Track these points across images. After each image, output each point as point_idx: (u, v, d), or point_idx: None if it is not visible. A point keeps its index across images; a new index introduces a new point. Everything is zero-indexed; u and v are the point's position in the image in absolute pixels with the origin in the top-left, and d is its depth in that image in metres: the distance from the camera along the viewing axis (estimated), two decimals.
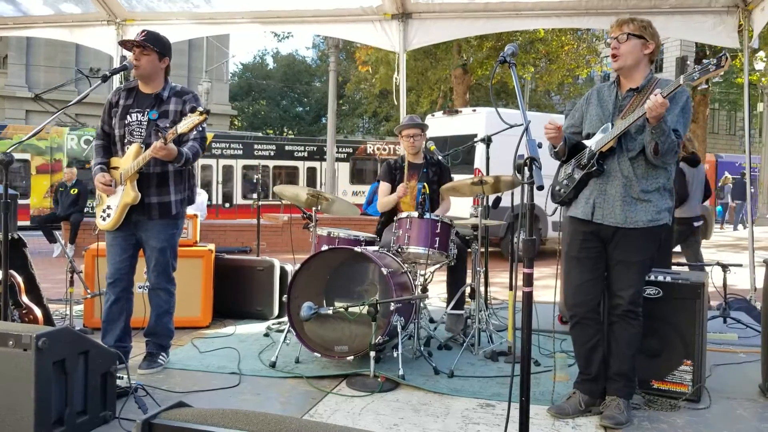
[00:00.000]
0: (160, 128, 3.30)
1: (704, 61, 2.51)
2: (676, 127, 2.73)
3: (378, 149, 21.13)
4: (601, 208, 2.85)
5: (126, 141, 3.41)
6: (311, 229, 4.24)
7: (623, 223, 2.81)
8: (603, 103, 2.93)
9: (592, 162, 2.83)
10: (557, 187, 3.03)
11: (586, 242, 2.91)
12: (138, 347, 3.62)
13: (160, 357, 3.55)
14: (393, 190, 4.61)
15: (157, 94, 3.44)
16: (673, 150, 2.72)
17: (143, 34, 3.38)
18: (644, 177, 2.81)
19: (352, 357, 3.48)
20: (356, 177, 20.63)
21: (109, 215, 3.40)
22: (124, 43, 3.46)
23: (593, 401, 2.95)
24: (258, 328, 4.61)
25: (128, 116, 3.42)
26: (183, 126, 3.13)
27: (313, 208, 4.27)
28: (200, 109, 3.15)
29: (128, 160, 3.35)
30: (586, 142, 2.95)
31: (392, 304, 3.42)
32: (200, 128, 3.29)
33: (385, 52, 15.72)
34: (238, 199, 19.26)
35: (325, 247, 3.81)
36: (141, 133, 3.38)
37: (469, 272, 4.50)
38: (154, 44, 3.39)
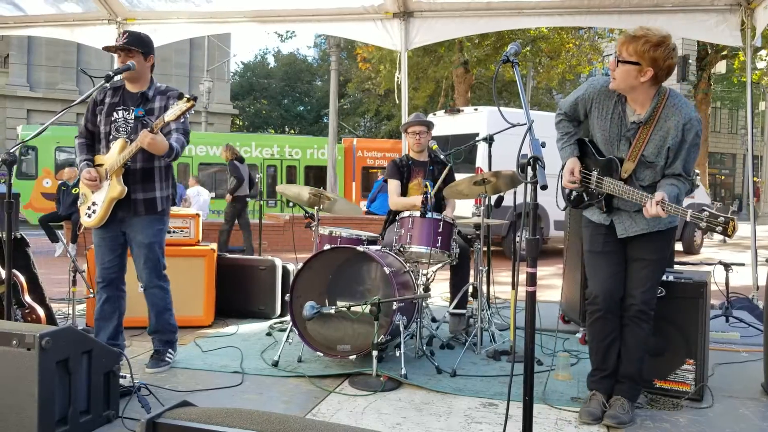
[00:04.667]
0: (146, 120, 3.33)
1: (716, 214, 2.49)
2: (686, 167, 2.70)
3: None
4: (622, 224, 2.85)
5: (111, 138, 3.41)
6: (313, 229, 4.24)
7: (646, 230, 2.82)
8: (606, 117, 2.80)
9: (600, 201, 2.83)
10: (567, 191, 2.99)
11: (609, 236, 2.90)
12: (141, 346, 3.63)
13: (168, 354, 3.56)
14: (403, 187, 4.61)
15: (143, 92, 3.46)
16: (689, 193, 2.74)
17: (125, 36, 3.39)
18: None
19: (354, 356, 3.47)
20: None
21: (94, 212, 3.39)
22: (108, 49, 3.46)
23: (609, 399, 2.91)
24: (260, 327, 4.62)
25: (114, 113, 3.43)
26: (170, 114, 3.14)
27: (316, 208, 4.27)
28: (187, 95, 3.14)
29: (113, 155, 3.34)
30: (590, 150, 2.90)
31: (394, 303, 3.42)
32: (183, 119, 3.28)
33: (388, 51, 15.70)
34: None
35: (327, 247, 3.81)
36: (127, 129, 3.40)
37: (471, 272, 4.50)
38: (138, 45, 3.40)
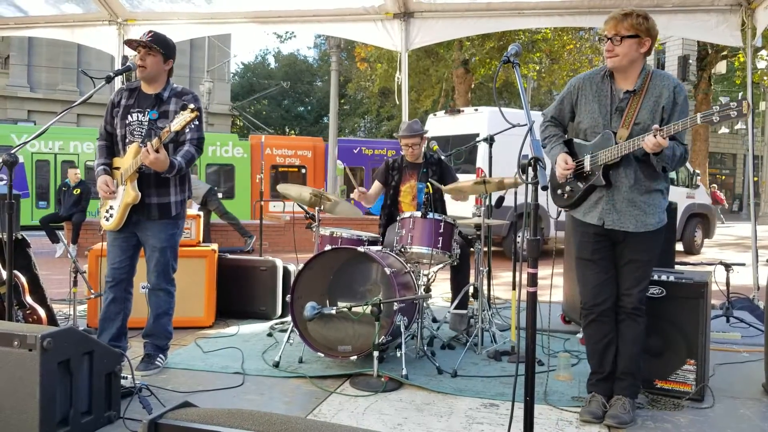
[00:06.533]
0: (156, 129, 3.32)
1: (724, 101, 2.50)
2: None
3: None
4: (611, 214, 2.84)
5: (127, 141, 3.42)
6: (314, 229, 4.24)
7: (635, 228, 2.82)
8: (594, 100, 2.87)
9: (598, 176, 2.82)
10: (559, 191, 3.00)
11: (598, 243, 2.90)
12: (143, 347, 3.62)
13: (158, 359, 3.54)
14: (388, 190, 4.64)
15: (158, 94, 3.45)
16: (684, 159, 2.76)
17: (150, 34, 3.37)
18: (650, 177, 2.81)
19: (355, 357, 3.48)
20: None
21: (111, 215, 3.42)
22: (129, 42, 3.43)
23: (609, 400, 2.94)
24: (261, 327, 4.62)
25: (129, 116, 3.43)
26: (175, 124, 3.15)
27: (316, 209, 4.27)
28: (191, 106, 3.14)
29: (128, 160, 3.36)
30: (578, 142, 2.92)
31: (395, 303, 3.42)
32: (193, 125, 3.26)
33: (385, 49, 15.68)
34: None
35: (328, 247, 3.81)
36: (141, 132, 3.39)
37: (472, 272, 4.50)
38: (161, 46, 3.39)
